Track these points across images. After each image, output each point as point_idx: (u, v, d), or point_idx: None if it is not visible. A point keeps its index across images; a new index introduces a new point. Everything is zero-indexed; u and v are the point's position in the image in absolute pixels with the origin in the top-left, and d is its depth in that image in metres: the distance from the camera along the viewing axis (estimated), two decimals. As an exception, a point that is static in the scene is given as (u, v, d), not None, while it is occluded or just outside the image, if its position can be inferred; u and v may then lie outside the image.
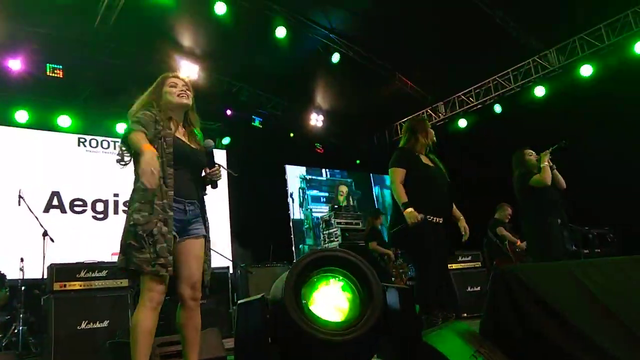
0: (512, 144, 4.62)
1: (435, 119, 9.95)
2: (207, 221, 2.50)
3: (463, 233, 3.62)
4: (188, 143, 2.47)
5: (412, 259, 3.66)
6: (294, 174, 10.10)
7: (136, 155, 2.22)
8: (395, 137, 10.80)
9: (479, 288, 6.17)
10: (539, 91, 8.37)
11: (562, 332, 1.74)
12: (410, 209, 3.32)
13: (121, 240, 2.25)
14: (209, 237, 2.48)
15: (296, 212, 7.79)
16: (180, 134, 2.47)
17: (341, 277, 1.24)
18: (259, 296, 1.16)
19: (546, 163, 4.14)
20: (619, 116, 7.03)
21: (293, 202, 7.64)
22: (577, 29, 7.72)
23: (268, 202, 9.06)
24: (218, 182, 2.52)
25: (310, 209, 9.60)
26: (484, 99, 9.13)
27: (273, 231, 8.75)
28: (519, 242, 6.01)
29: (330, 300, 1.20)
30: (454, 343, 1.56)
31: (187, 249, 2.36)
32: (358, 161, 11.20)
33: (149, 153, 2.11)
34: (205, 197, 2.55)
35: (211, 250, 2.49)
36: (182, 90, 2.51)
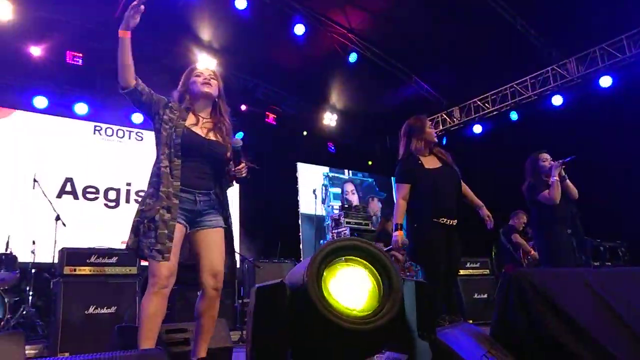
0: (527, 151, 4.56)
1: (450, 123, 9.90)
2: (229, 214, 2.52)
3: (487, 220, 3.53)
4: (202, 135, 2.44)
5: (421, 262, 3.59)
6: (308, 172, 10.12)
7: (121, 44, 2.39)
8: (409, 140, 10.74)
9: (486, 295, 6.12)
10: (557, 100, 8.29)
11: (574, 338, 1.72)
12: (399, 232, 3.34)
13: (133, 221, 2.34)
14: (230, 230, 2.51)
15: (318, 209, 7.89)
16: (198, 125, 2.46)
17: (362, 267, 1.24)
18: (278, 281, 1.17)
19: (556, 177, 4.00)
20: (637, 129, 6.94)
21: (316, 198, 7.70)
22: (598, 39, 7.63)
23: (278, 199, 9.08)
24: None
25: (332, 206, 9.62)
26: (500, 106, 9.05)
27: (281, 228, 8.77)
28: (532, 252, 5.95)
29: (351, 289, 1.20)
30: (466, 342, 1.55)
31: (207, 239, 2.40)
32: (370, 162, 11.17)
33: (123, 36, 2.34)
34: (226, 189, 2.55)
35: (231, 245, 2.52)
36: (206, 79, 2.51)
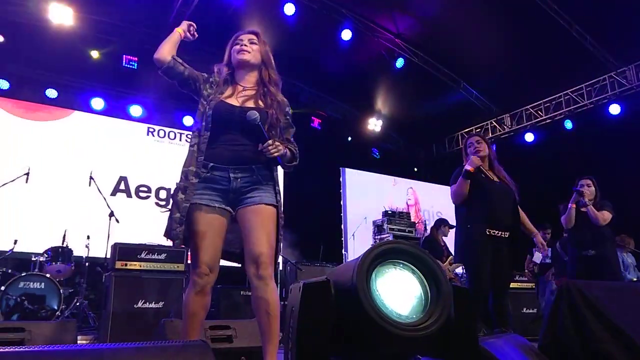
0: (583, 162, 4.47)
1: (500, 131, 9.63)
2: (277, 191, 2.19)
3: (540, 247, 3.68)
4: (238, 104, 2.19)
5: (466, 268, 3.58)
6: (353, 177, 10.09)
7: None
8: (456, 147, 10.55)
9: (534, 310, 5.89)
10: (614, 109, 7.91)
11: (626, 354, 1.63)
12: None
13: None
14: (279, 207, 2.17)
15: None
16: (234, 95, 2.24)
17: (410, 272, 1.21)
18: (323, 278, 1.16)
19: (572, 205, 4.33)
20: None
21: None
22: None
23: (322, 204, 9.10)
24: (281, 159, 2.16)
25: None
26: (554, 114, 8.73)
27: (324, 232, 8.78)
28: None
29: (399, 294, 1.18)
30: (512, 353, 1.50)
31: (246, 220, 2.10)
32: (416, 169, 11.03)
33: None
34: (290, 167, 2.27)
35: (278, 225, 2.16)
36: (243, 46, 2.28)
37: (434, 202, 10.68)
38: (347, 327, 1.13)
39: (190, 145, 2.16)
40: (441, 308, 1.17)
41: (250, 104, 2.21)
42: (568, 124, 8.62)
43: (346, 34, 7.67)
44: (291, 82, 9.18)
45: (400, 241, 1.43)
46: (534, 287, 6.21)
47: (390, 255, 1.20)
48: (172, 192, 2.20)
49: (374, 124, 10.00)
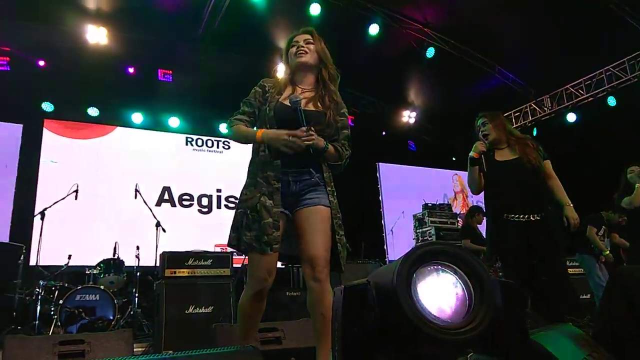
0: (629, 139, 4.29)
1: (540, 113, 9.32)
2: (331, 192, 2.20)
3: (571, 222, 3.19)
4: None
5: (500, 259, 3.46)
6: (389, 171, 10.04)
7: (253, 142, 2.21)
8: (494, 134, 10.29)
9: (589, 296, 5.67)
10: (661, 81, 7.52)
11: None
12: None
13: (233, 219, 2.16)
14: (334, 209, 2.17)
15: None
16: (297, 91, 2.26)
17: (452, 273, 1.20)
18: (364, 280, 1.17)
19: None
20: None
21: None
22: None
23: (359, 200, 9.08)
24: (322, 151, 2.15)
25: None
26: (596, 91, 8.37)
27: (364, 229, 8.76)
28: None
29: (441, 296, 1.17)
30: (564, 344, 1.46)
31: (303, 220, 2.11)
32: (454, 158, 10.84)
33: (265, 134, 2.09)
34: (339, 167, 2.29)
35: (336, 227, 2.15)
36: (300, 48, 2.27)
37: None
38: (390, 330, 1.14)
39: (261, 150, 2.17)
40: (486, 307, 1.15)
41: (311, 106, 2.22)
42: (611, 101, 8.24)
43: (373, 29, 7.62)
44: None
45: (440, 242, 1.42)
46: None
47: (431, 256, 1.19)
48: (243, 198, 2.11)
49: (408, 116, 9.90)
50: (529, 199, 3.14)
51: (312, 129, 2.07)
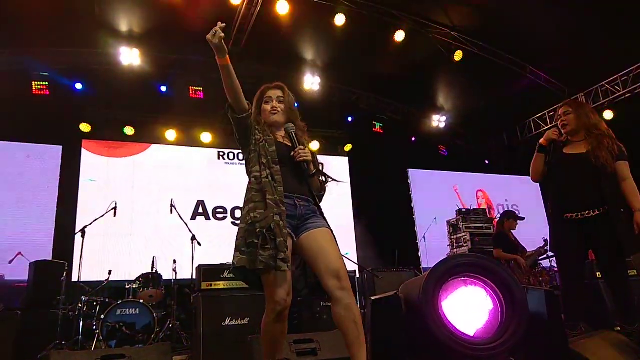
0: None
1: (575, 112, 9.04)
2: (326, 220, 2.36)
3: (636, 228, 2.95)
4: (289, 144, 2.42)
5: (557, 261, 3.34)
6: (420, 178, 9.92)
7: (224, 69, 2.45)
8: (529, 135, 10.05)
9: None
10: None
11: None
12: None
13: (237, 240, 2.18)
14: (332, 232, 2.32)
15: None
16: (280, 137, 2.45)
17: (481, 285, 1.17)
18: (391, 293, 1.16)
19: None
20: None
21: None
22: None
23: (391, 208, 9.02)
24: (320, 177, 2.41)
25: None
26: (634, 87, 8.08)
27: (398, 236, 8.69)
28: None
29: (470, 310, 1.14)
30: (606, 353, 1.40)
31: (316, 241, 2.23)
32: (487, 161, 10.64)
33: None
34: (320, 198, 2.46)
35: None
36: (273, 108, 2.47)
37: (509, 194, 10.24)
38: (419, 344, 1.12)
39: (263, 177, 2.26)
40: (518, 320, 1.12)
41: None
42: (651, 96, 7.94)
43: (399, 35, 7.60)
44: (348, 90, 9.24)
45: (467, 254, 1.39)
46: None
47: (458, 270, 1.17)
48: (255, 219, 2.15)
49: (438, 120, 9.79)
50: (587, 196, 3.01)
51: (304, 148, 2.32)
